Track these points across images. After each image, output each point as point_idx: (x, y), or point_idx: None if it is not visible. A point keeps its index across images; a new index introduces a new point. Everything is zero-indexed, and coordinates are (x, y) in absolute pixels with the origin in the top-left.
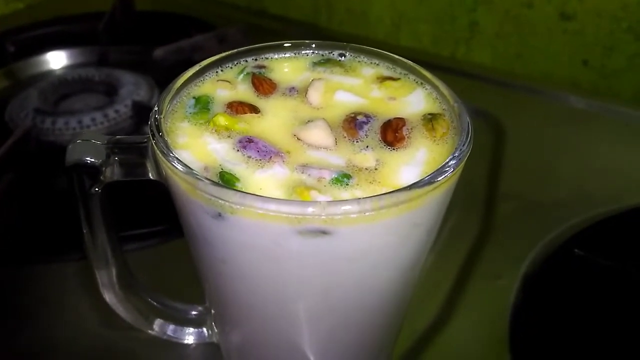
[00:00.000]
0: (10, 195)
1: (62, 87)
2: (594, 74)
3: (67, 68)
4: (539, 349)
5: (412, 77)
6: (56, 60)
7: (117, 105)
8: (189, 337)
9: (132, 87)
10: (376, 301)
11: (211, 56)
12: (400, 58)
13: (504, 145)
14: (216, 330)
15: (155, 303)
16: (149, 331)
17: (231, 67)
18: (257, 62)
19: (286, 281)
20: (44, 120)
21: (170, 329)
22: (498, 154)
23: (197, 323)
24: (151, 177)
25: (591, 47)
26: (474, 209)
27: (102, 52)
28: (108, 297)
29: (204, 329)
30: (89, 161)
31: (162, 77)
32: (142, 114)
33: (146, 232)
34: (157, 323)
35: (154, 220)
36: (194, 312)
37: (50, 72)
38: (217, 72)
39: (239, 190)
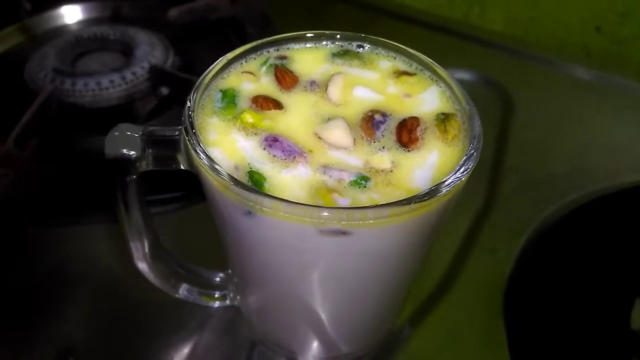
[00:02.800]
0: (37, 159)
1: (79, 45)
2: (606, 40)
3: (81, 23)
4: (531, 319)
5: (427, 73)
6: (70, 14)
7: (134, 67)
8: (213, 301)
9: (148, 48)
10: (387, 282)
11: (224, 17)
12: (416, 53)
13: (511, 117)
14: (238, 296)
15: (182, 270)
16: (176, 295)
17: (254, 58)
18: (279, 53)
19: (306, 268)
20: (64, 82)
21: (195, 293)
22: (505, 126)
23: (220, 288)
24: (182, 168)
25: (605, 13)
26: (478, 184)
27: (115, 6)
28: (141, 266)
29: (227, 293)
30: (126, 155)
31: (175, 36)
32: (158, 77)
33: (168, 197)
34: (184, 288)
35: (175, 185)
36: (217, 279)
37: (64, 27)
38: (241, 63)
39: (268, 195)
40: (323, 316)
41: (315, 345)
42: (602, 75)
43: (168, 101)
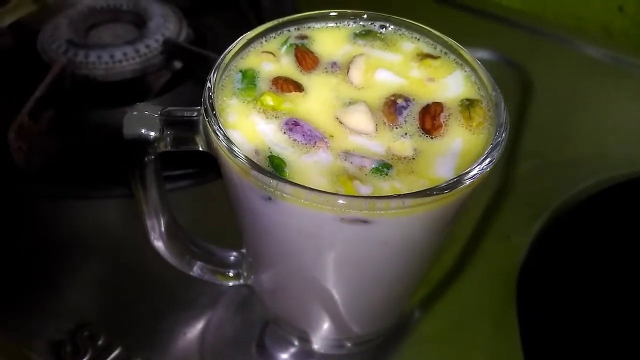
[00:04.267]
0: (51, 132)
1: (92, 16)
2: (628, 21)
3: None
4: (543, 306)
5: (452, 56)
6: None
7: (148, 40)
8: (227, 280)
9: (161, 20)
10: (404, 269)
11: None
12: (441, 35)
13: (530, 98)
14: (252, 275)
15: (196, 249)
16: (190, 273)
17: (274, 37)
18: (300, 32)
19: (323, 253)
20: (77, 53)
21: (210, 271)
22: (522, 107)
23: (234, 267)
24: (201, 149)
25: None
26: (495, 168)
27: None
28: (157, 244)
29: (240, 272)
30: (145, 135)
31: (189, 8)
32: (172, 50)
33: (181, 173)
34: (198, 266)
35: (189, 162)
36: (231, 257)
37: None
38: (261, 42)
39: (290, 181)
40: (337, 300)
41: (327, 326)
42: (623, 58)
43: (181, 75)
